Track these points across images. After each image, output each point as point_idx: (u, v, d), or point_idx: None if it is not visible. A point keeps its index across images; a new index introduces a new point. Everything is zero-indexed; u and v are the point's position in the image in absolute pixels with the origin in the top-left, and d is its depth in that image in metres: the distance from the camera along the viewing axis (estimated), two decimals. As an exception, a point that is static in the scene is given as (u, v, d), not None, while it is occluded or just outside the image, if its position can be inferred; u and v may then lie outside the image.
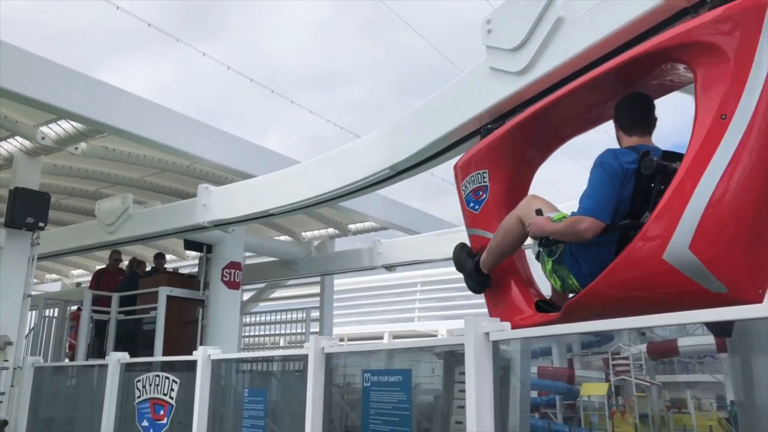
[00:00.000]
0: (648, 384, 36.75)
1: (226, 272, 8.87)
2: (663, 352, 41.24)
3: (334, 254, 10.32)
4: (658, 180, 2.86)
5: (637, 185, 2.92)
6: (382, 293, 12.89)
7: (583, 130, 3.72)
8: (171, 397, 5.07)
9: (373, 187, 5.53)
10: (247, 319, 12.07)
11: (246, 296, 12.83)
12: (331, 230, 10.30)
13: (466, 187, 3.96)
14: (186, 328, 8.63)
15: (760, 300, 2.62)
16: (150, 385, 5.27)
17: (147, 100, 6.87)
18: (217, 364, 5.11)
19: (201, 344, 7.47)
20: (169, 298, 8.47)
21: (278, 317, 10.83)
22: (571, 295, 3.20)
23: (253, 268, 11.54)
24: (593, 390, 32.60)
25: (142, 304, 8.83)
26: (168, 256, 11.42)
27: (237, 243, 9.09)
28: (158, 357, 7.43)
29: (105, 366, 5.78)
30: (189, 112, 8.08)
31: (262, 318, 11.65)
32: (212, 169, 7.88)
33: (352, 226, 10.15)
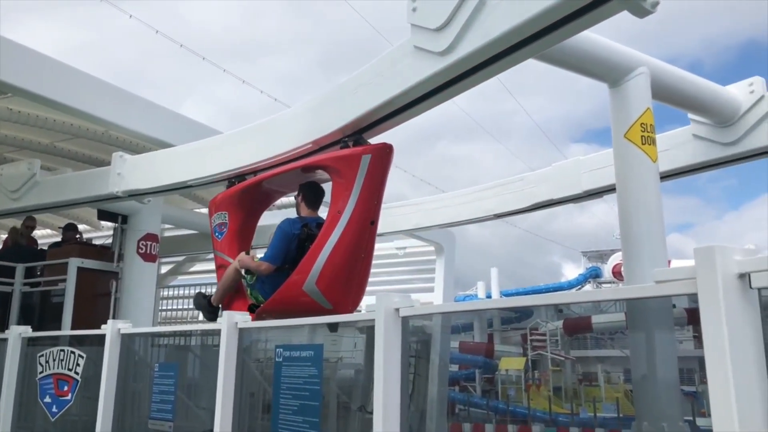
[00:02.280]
0: (563, 359, 38.55)
1: (142, 244, 8.57)
2: (578, 328, 43.28)
3: (262, 228, 10.11)
4: (309, 242, 4.66)
5: (299, 243, 4.75)
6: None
7: (286, 194, 6.05)
8: (76, 372, 4.88)
9: (295, 161, 5.45)
10: (165, 293, 11.74)
11: (164, 269, 12.46)
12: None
13: (214, 220, 5.62)
14: (98, 301, 8.30)
15: (352, 311, 4.67)
16: (54, 360, 5.05)
17: (57, 61, 6.46)
18: (128, 339, 4.96)
19: (114, 318, 7.22)
20: (80, 270, 8.11)
21: (198, 291, 10.57)
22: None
23: (171, 241, 11.19)
24: (511, 364, 33.90)
25: (51, 276, 8.42)
26: (81, 226, 10.91)
27: (154, 214, 8.77)
28: (65, 331, 7.12)
29: (5, 340, 5.50)
30: (104, 77, 7.65)
31: (181, 292, 11.37)
32: (128, 136, 7.55)
33: (278, 202, 9.98)
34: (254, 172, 5.63)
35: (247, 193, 5.45)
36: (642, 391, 4.26)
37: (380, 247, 12.95)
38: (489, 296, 39.70)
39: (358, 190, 4.42)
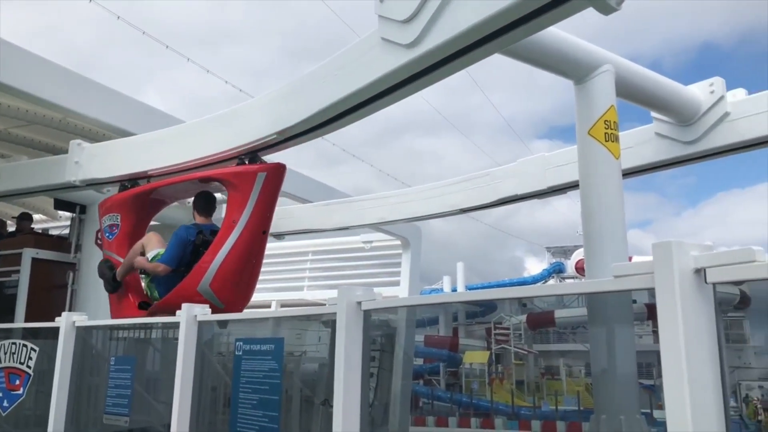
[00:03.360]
0: (526, 352, 39.11)
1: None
2: (541, 322, 43.96)
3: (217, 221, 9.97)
4: (204, 247, 5.08)
5: (194, 248, 5.12)
6: (272, 261, 12.69)
7: (179, 200, 6.76)
8: (28, 366, 4.73)
9: (260, 153, 5.38)
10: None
11: (125, 261, 12.16)
12: (218, 195, 9.92)
13: (104, 221, 5.92)
14: (54, 293, 8.07)
15: (241, 310, 5.16)
16: (5, 353, 4.89)
17: (12, 44, 6.21)
18: (83, 332, 4.83)
19: (71, 310, 7.03)
20: (35, 260, 7.87)
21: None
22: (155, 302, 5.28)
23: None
24: (475, 358, 34.27)
25: (4, 267, 8.15)
26: (37, 216, 10.59)
27: (115, 205, 8.55)
28: (17, 324, 6.91)
29: (-47, 333, 5.31)
30: (63, 62, 7.35)
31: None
32: (87, 124, 7.32)
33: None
34: (218, 162, 5.54)
35: (141, 198, 5.83)
36: (601, 385, 4.32)
37: (346, 241, 12.95)
38: (455, 291, 39.93)
39: (252, 203, 4.95)
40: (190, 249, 5.13)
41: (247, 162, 5.11)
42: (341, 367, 2.76)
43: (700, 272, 1.58)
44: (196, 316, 3.77)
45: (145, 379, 5.04)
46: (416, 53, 3.80)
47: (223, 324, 4.28)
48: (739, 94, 6.23)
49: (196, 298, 4.69)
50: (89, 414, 4.75)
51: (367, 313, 2.84)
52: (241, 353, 3.36)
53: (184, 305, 3.88)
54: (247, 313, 4.15)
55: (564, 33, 5.20)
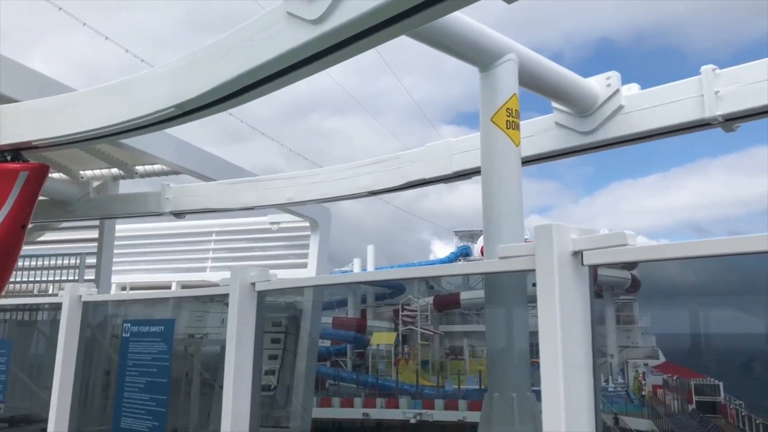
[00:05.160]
0: (431, 333, 40.13)
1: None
2: (447, 304, 45.21)
3: (116, 197, 9.47)
4: None
5: None
6: (174, 241, 12.25)
7: None
8: None
9: (157, 126, 5.12)
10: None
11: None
12: (114, 170, 9.40)
13: None
14: None
15: None
16: None
17: None
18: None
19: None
20: None
21: (46, 262, 9.78)
22: None
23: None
24: (382, 339, 34.82)
25: None
26: None
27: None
28: None
29: None
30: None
31: (27, 263, 10.43)
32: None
33: (139, 168, 9.37)
34: (112, 135, 5.25)
35: None
36: (495, 364, 4.46)
37: (253, 222, 12.69)
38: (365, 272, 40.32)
39: (13, 199, 5.18)
40: None
41: (9, 159, 5.37)
42: (233, 347, 2.68)
43: (577, 255, 1.63)
44: (80, 296, 3.56)
45: (27, 365, 4.73)
46: (322, 30, 3.72)
47: (115, 305, 4.07)
48: (633, 88, 6.56)
49: None
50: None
51: (261, 294, 2.77)
52: (128, 335, 3.21)
53: (68, 285, 3.65)
54: (135, 293, 3.95)
55: (471, 20, 5.26)
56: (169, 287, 11.33)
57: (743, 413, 36.48)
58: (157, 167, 9.27)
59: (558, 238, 1.62)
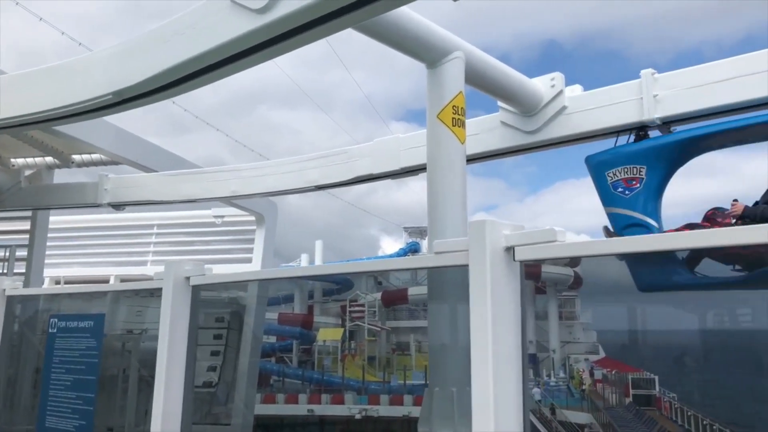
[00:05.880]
0: (379, 329, 40.26)
1: None
2: (395, 299, 45.44)
3: (51, 187, 9.08)
4: None
5: None
6: (114, 234, 11.84)
7: None
8: None
9: (93, 113, 4.93)
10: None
11: None
12: (49, 159, 9.00)
13: None
14: None
15: None
16: None
17: None
18: None
19: None
20: None
21: None
22: None
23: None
24: (329, 335, 34.72)
25: None
26: None
27: None
28: None
29: None
30: None
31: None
32: None
33: (76, 157, 9.00)
34: (46, 121, 5.03)
35: None
36: (436, 358, 4.49)
37: (197, 215, 12.41)
38: (312, 268, 39.98)
39: None
40: None
41: None
42: (165, 343, 2.60)
43: (509, 250, 1.64)
44: (4, 290, 3.39)
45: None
46: (266, 20, 3.65)
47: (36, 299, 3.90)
48: (576, 89, 6.70)
49: None
50: None
51: (196, 289, 2.70)
52: (55, 330, 3.07)
53: (-9, 278, 3.48)
54: (64, 287, 3.79)
55: (419, 16, 5.26)
56: (107, 281, 10.98)
57: (676, 405, 38.06)
58: (95, 157, 8.93)
59: (491, 234, 1.62)
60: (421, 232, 57.02)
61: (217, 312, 6.34)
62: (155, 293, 3.47)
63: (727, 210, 5.46)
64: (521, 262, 1.64)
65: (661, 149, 5.79)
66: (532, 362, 53.70)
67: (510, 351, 1.58)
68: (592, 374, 49.69)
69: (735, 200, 5.48)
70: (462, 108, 5.36)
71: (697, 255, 5.29)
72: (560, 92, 6.56)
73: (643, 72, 6.06)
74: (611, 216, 5.96)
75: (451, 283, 4.37)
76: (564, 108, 6.52)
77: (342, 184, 8.30)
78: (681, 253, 5.41)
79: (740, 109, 5.53)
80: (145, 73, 4.36)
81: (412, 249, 52.89)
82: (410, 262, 2.82)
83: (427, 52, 5.36)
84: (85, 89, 4.67)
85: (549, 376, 52.84)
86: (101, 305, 3.92)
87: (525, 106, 6.57)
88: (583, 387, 48.24)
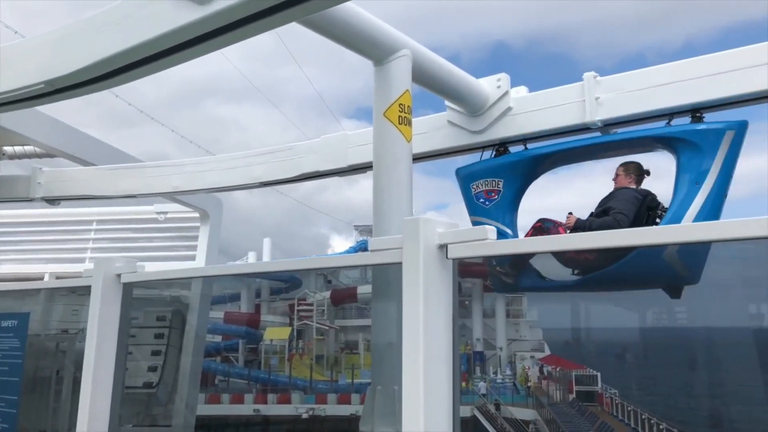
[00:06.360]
0: (327, 328, 40.07)
1: None
2: (344, 298, 45.33)
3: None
4: None
5: None
6: (50, 229, 11.37)
7: None
8: None
9: (24, 103, 4.70)
10: None
11: None
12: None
13: None
14: None
15: None
16: None
17: None
18: None
19: None
20: None
21: None
22: None
23: None
24: (276, 334, 34.34)
25: None
26: None
27: None
28: None
29: None
30: None
31: None
32: None
33: (8, 149, 8.60)
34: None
35: None
36: (378, 357, 4.48)
37: (138, 211, 12.04)
38: (260, 266, 39.60)
39: None
40: None
41: None
42: (93, 343, 2.50)
43: (443, 248, 1.63)
44: None
45: None
46: (207, 11, 3.55)
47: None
48: (522, 91, 6.80)
49: None
50: None
51: (127, 287, 2.60)
52: (-25, 330, 2.91)
53: None
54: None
55: (367, 13, 5.24)
56: (41, 278, 10.55)
57: (617, 401, 39.34)
58: (28, 149, 8.54)
59: (425, 232, 1.61)
60: (371, 230, 57.01)
61: (158, 310, 6.19)
62: (79, 291, 3.34)
63: (555, 221, 6.09)
64: (454, 259, 1.63)
65: (515, 164, 6.36)
66: (479, 360, 54.58)
67: (441, 349, 1.57)
68: (542, 371, 50.82)
69: (570, 213, 6.09)
70: (409, 106, 5.36)
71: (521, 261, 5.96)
72: (506, 93, 6.64)
73: (585, 75, 6.19)
74: (474, 225, 6.41)
75: (393, 281, 4.37)
76: (509, 109, 6.60)
77: (288, 181, 8.19)
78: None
79: (679, 113, 5.72)
80: (80, 63, 4.18)
81: (362, 247, 52.89)
82: (345, 260, 2.77)
83: (373, 49, 5.34)
84: (16, 78, 4.46)
85: (496, 373, 53.74)
86: (33, 303, 3.75)
87: (471, 106, 6.63)
88: (529, 384, 49.28)
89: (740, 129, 5.35)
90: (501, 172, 6.34)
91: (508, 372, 54.57)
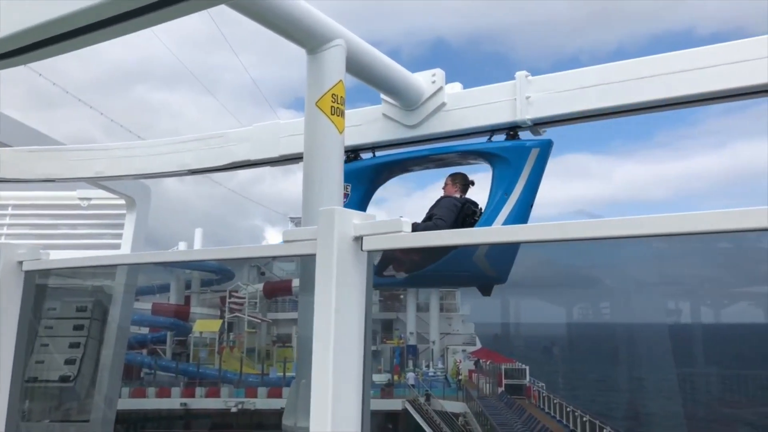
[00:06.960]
0: (259, 321, 39.55)
1: None
2: (277, 290, 44.85)
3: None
4: None
5: None
6: (-39, 213, 10.71)
7: None
8: None
9: (-73, 76, 4.39)
10: None
11: None
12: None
13: None
14: None
15: None
16: None
17: None
18: None
19: None
20: None
21: None
22: None
23: None
24: (206, 326, 33.61)
25: None
26: None
27: None
28: None
29: None
30: None
31: None
32: None
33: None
34: None
35: None
36: (303, 350, 4.41)
37: (61, 196, 11.46)
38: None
39: None
40: None
41: None
42: (-11, 335, 2.33)
43: (358, 240, 1.59)
44: None
45: None
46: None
47: None
48: (456, 87, 6.84)
49: None
50: None
51: (29, 275, 2.44)
52: None
53: None
54: None
55: (302, 0, 5.14)
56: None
57: (544, 394, 40.64)
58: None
59: (340, 223, 1.57)
60: (307, 223, 56.61)
61: (78, 301, 5.90)
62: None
63: None
64: (369, 251, 1.60)
65: (360, 171, 6.65)
66: (412, 354, 55.22)
67: (353, 341, 1.54)
68: (476, 364, 51.80)
69: (401, 216, 6.43)
70: (342, 97, 5.30)
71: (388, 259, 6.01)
72: (440, 89, 6.66)
73: (517, 74, 6.28)
74: None
75: (314, 273, 4.31)
76: (443, 104, 6.63)
77: (218, 169, 7.96)
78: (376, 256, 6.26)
79: (607, 114, 5.89)
80: (5, 31, 3.91)
81: (297, 240, 52.37)
82: (258, 250, 2.72)
83: (307, 38, 5.25)
84: None
85: (428, 366, 54.46)
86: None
87: (406, 99, 6.62)
88: (460, 377, 50.23)
89: (545, 147, 5.96)
90: (349, 177, 6.45)
91: (440, 365, 55.46)
